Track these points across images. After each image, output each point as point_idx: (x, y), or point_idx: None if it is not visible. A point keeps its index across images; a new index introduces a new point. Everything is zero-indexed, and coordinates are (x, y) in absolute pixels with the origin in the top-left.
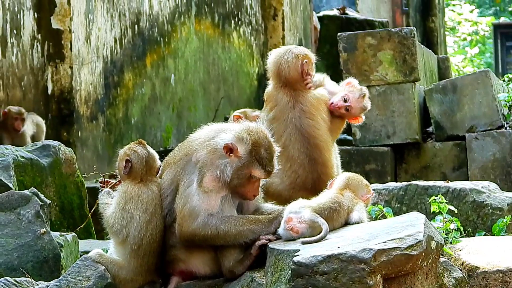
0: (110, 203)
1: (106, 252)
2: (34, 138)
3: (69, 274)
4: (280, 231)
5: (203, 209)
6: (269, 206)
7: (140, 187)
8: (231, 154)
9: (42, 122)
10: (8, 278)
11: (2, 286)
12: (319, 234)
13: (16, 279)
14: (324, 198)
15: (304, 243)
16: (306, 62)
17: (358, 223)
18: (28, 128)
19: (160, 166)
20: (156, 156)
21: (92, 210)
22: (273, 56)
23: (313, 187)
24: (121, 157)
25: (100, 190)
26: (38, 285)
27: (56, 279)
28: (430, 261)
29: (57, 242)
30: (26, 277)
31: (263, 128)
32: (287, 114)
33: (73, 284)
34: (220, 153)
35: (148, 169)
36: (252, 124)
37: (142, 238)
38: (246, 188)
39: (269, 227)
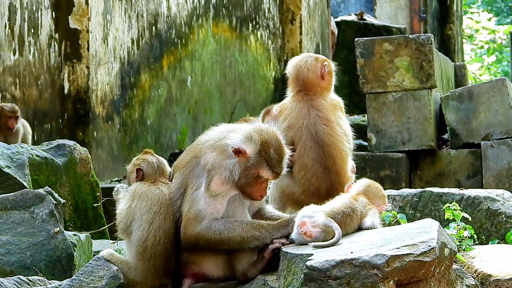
0: (122, 200)
1: (119, 252)
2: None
3: (82, 274)
4: (293, 235)
5: (208, 213)
6: (272, 209)
7: (149, 186)
8: (240, 154)
9: (27, 124)
10: (21, 277)
11: (15, 284)
12: (332, 238)
13: (29, 277)
14: (337, 203)
15: (316, 247)
16: (326, 64)
17: (371, 228)
18: (20, 127)
19: (171, 171)
20: (165, 161)
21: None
22: (292, 61)
23: (327, 195)
24: (131, 169)
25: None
26: (50, 284)
27: (68, 279)
28: (443, 268)
29: (70, 241)
30: (39, 276)
31: (274, 129)
32: (302, 121)
33: (86, 283)
34: (229, 153)
35: (160, 173)
36: (263, 125)
37: (145, 239)
38: (254, 189)
39: (273, 234)
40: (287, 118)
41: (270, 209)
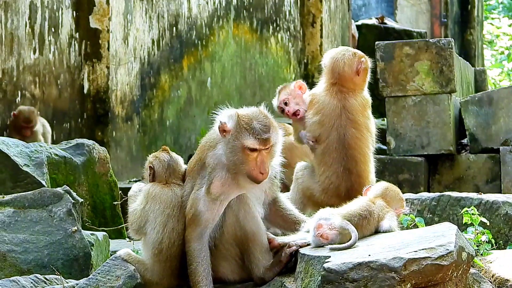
0: (135, 199)
1: (136, 252)
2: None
3: (99, 273)
4: (310, 237)
5: (204, 219)
6: (288, 204)
7: (162, 188)
8: (224, 132)
9: (46, 123)
10: (38, 275)
11: (31, 282)
12: (348, 241)
13: (46, 276)
14: (354, 205)
15: (332, 249)
16: (363, 61)
17: (388, 231)
18: (39, 127)
19: (185, 170)
20: (180, 160)
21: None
22: (330, 52)
23: (347, 195)
24: (146, 166)
25: None
26: (67, 283)
27: (85, 278)
28: (460, 272)
29: (88, 240)
30: (56, 274)
31: (261, 108)
32: (334, 121)
33: (103, 283)
34: (217, 141)
35: (171, 172)
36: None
37: (160, 241)
38: (249, 166)
39: None
40: (319, 113)
41: (287, 204)
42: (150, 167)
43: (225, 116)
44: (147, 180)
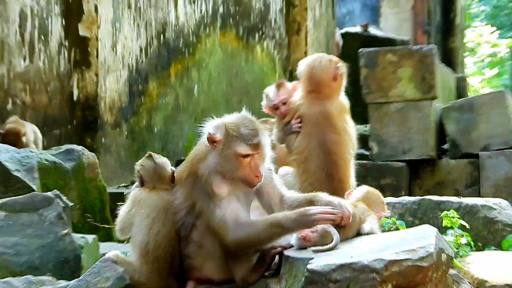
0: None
1: (125, 255)
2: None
3: (89, 275)
4: (293, 240)
5: (229, 219)
6: (294, 196)
7: (149, 192)
8: (214, 143)
9: (37, 129)
10: (30, 277)
11: (24, 284)
12: (330, 243)
13: (38, 277)
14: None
15: (315, 251)
16: (339, 66)
17: (369, 233)
18: (30, 134)
19: (173, 172)
20: (166, 164)
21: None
22: (305, 60)
23: None
24: (135, 174)
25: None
26: (58, 284)
27: (76, 279)
28: (440, 273)
29: (78, 243)
30: (47, 276)
31: (245, 113)
32: (313, 128)
33: (93, 284)
34: (207, 153)
35: (158, 179)
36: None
37: (146, 243)
38: (244, 171)
39: (293, 227)
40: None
41: (293, 194)
42: (138, 175)
43: (213, 127)
44: (138, 185)
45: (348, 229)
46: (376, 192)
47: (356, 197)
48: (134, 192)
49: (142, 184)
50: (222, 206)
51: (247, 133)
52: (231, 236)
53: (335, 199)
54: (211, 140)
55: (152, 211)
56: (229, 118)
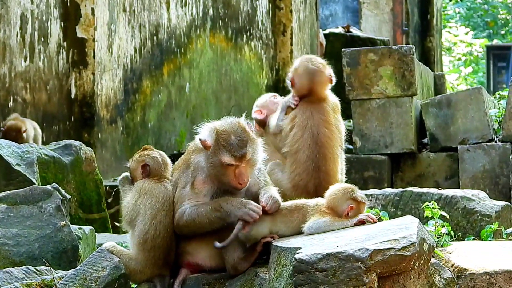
0: (128, 192)
1: (121, 245)
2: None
3: (86, 264)
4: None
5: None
6: (268, 191)
7: (154, 183)
8: (205, 148)
9: (37, 126)
10: (30, 267)
11: (23, 273)
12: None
13: (37, 267)
14: (297, 201)
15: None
16: (328, 67)
17: (308, 234)
18: (30, 130)
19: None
20: (166, 155)
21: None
22: (299, 67)
23: (315, 191)
24: (135, 165)
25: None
26: (57, 273)
27: (74, 269)
28: (422, 261)
29: (75, 234)
30: (46, 266)
31: (239, 119)
32: (307, 122)
33: (90, 273)
34: (201, 149)
35: (165, 167)
36: (231, 118)
37: (146, 232)
38: (229, 178)
39: (233, 213)
40: (294, 119)
41: (262, 190)
42: (144, 165)
43: (206, 132)
44: (139, 177)
45: (292, 220)
46: (347, 189)
47: (328, 193)
48: (140, 183)
49: (147, 175)
50: (191, 198)
51: (235, 143)
52: (181, 222)
53: (273, 194)
54: (203, 145)
55: (158, 202)
56: (223, 124)
